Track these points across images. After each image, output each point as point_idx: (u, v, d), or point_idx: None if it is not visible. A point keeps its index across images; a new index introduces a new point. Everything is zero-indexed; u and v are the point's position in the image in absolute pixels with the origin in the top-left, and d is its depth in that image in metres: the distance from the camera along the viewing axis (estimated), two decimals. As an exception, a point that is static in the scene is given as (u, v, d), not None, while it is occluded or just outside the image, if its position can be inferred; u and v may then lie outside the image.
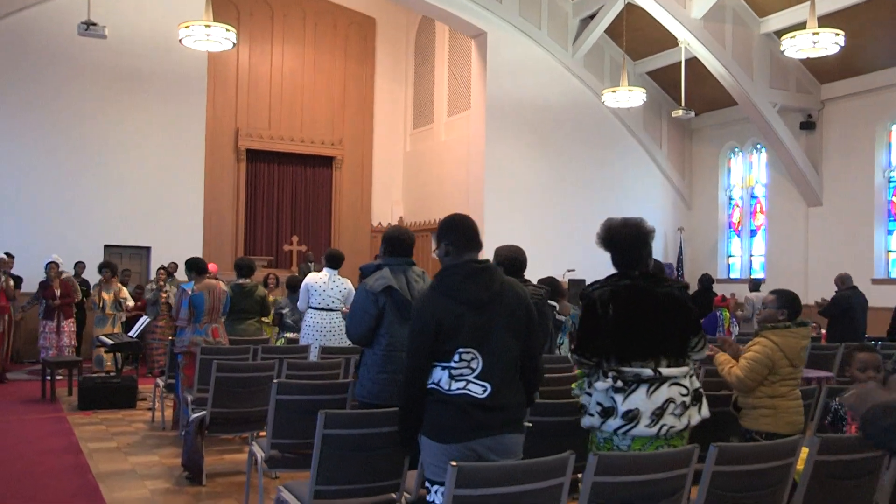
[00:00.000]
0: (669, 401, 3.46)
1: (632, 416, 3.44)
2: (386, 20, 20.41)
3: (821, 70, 15.34)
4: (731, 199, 18.12)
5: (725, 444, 3.05)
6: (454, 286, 3.30)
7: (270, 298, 9.96)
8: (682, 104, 14.97)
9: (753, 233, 17.54)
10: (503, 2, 16.64)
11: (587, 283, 6.37)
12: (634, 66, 17.60)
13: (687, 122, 18.13)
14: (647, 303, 3.58)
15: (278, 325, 10.03)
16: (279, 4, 19.28)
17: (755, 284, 13.53)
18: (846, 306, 9.64)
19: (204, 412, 6.07)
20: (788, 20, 14.51)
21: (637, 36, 15.94)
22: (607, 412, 3.51)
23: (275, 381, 4.82)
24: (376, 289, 4.33)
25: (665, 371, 3.49)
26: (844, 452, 3.05)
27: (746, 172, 17.75)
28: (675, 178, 18.52)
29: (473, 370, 3.23)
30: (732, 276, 17.84)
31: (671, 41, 15.67)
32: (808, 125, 15.77)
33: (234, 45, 11.73)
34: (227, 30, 11.28)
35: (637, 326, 3.54)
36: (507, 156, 16.70)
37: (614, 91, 14.40)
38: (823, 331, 10.65)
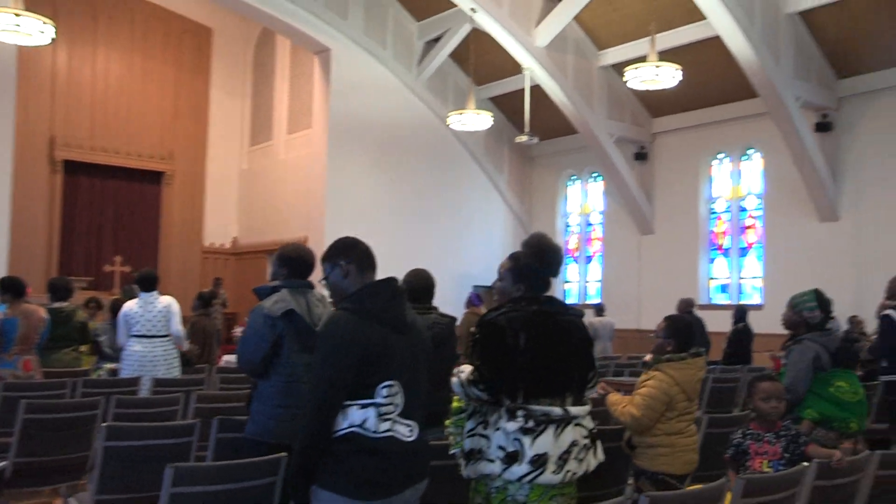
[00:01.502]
0: (574, 444, 3.12)
1: (540, 462, 3.05)
2: (223, 31, 19.42)
3: (653, 104, 16.06)
4: (568, 225, 18.56)
5: (654, 493, 2.73)
6: (380, 307, 2.87)
7: (91, 325, 8.89)
8: (526, 130, 15.13)
9: (589, 259, 18.03)
10: (348, 19, 16.24)
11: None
12: (478, 91, 17.69)
13: (528, 148, 18.43)
14: (557, 331, 3.23)
15: (97, 353, 8.99)
16: (103, 5, 17.84)
17: (600, 310, 13.81)
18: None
19: (5, 463, 5.11)
20: (625, 55, 15.06)
21: (481, 61, 16.02)
22: (511, 457, 3.07)
23: (104, 423, 4.08)
24: (275, 313, 3.79)
25: (572, 410, 3.15)
26: (769, 493, 2.83)
27: (583, 200, 18.26)
28: (515, 204, 18.75)
29: (397, 407, 2.81)
30: (569, 301, 18.23)
31: (515, 68, 15.86)
32: (641, 156, 16.43)
33: (53, 39, 10.54)
34: (44, 22, 10.11)
35: (549, 358, 3.17)
36: (349, 176, 16.23)
37: (461, 114, 14.34)
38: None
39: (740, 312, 10.87)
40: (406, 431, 2.81)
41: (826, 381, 4.39)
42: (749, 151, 15.13)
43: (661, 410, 3.92)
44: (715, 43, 13.10)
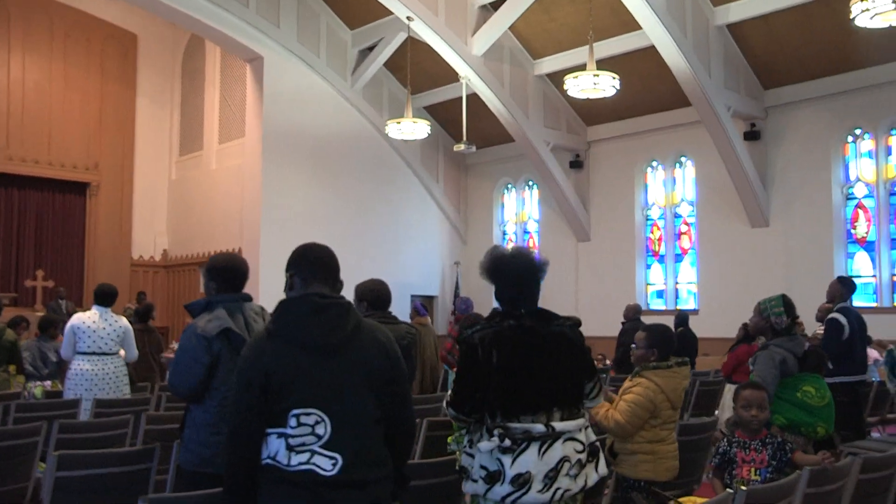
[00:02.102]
0: (564, 460, 3.00)
1: (522, 482, 2.94)
2: (149, 37, 18.86)
3: (588, 113, 16.26)
4: (504, 234, 18.62)
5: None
6: (292, 326, 2.62)
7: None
8: (464, 139, 15.12)
9: (527, 267, 18.07)
10: (281, 27, 15.95)
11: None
12: (414, 99, 17.60)
13: (463, 157, 18.45)
14: (537, 346, 3.11)
15: (22, 372, 8.53)
16: (18, 7, 17.06)
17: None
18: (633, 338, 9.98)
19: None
20: (560, 64, 15.21)
21: (417, 70, 15.95)
22: (493, 477, 2.97)
23: (56, 452, 3.80)
24: (210, 332, 3.52)
25: (559, 426, 3.04)
26: (769, 503, 2.81)
27: (519, 208, 18.35)
28: (451, 213, 18.72)
29: (319, 437, 2.54)
30: (507, 308, 18.26)
31: (451, 77, 15.84)
32: (576, 164, 16.61)
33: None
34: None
35: (525, 374, 3.06)
36: (285, 186, 15.92)
37: (399, 122, 14.22)
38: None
39: (681, 318, 11.03)
40: (327, 465, 2.52)
41: (793, 387, 4.43)
42: (682, 159, 15.46)
43: (646, 418, 3.89)
44: (648, 53, 13.35)
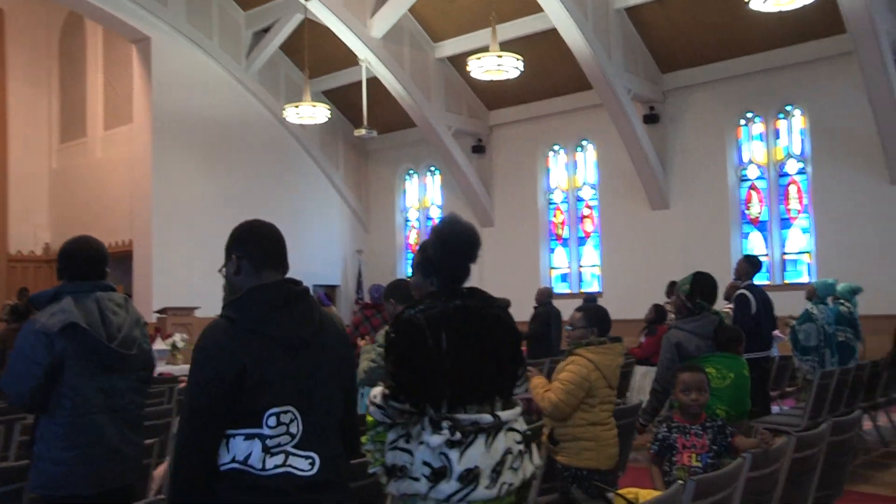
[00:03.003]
0: (507, 452, 2.77)
1: (472, 477, 2.68)
2: (18, 13, 17.59)
3: (489, 97, 16.15)
4: (407, 220, 18.37)
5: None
6: (262, 317, 2.32)
7: None
8: (365, 124, 14.74)
9: (431, 253, 17.89)
10: (168, 5, 15.13)
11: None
12: (311, 83, 17.08)
13: (363, 143, 18.06)
14: (481, 329, 2.85)
15: None
16: None
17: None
18: (546, 321, 9.93)
19: None
20: (461, 47, 15.03)
21: (314, 53, 15.44)
22: (438, 474, 2.67)
23: None
24: (52, 328, 3.01)
25: (503, 415, 2.80)
26: (717, 491, 2.65)
27: (422, 194, 18.12)
28: (352, 200, 18.32)
29: (293, 437, 2.30)
30: (412, 296, 18.03)
31: (349, 60, 15.43)
32: (479, 149, 16.50)
33: None
34: None
35: (474, 360, 2.79)
36: (178, 174, 15.16)
37: (297, 106, 13.72)
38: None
39: (590, 301, 11.02)
40: (304, 465, 2.30)
41: (699, 368, 4.32)
42: (583, 143, 15.56)
43: (581, 396, 3.70)
44: (550, 36, 13.32)
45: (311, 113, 13.67)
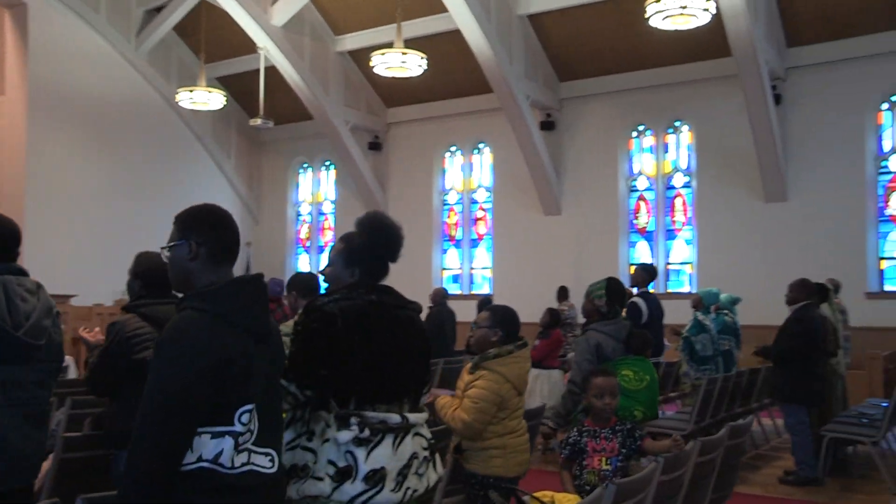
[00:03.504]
0: (413, 456, 2.71)
1: (378, 479, 2.60)
2: None
3: (388, 94, 16.05)
4: (299, 214, 18.02)
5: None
6: (241, 309, 2.20)
7: None
8: (261, 113, 14.34)
9: (321, 248, 17.64)
10: (49, -28, 14.24)
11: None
12: (206, 69, 16.50)
13: (257, 134, 17.62)
14: (394, 327, 2.79)
15: None
16: None
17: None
18: (440, 321, 9.92)
19: None
20: (363, 42, 14.88)
21: (210, 38, 14.91)
22: (343, 474, 2.58)
23: None
24: None
25: (411, 417, 2.74)
26: (635, 494, 2.67)
27: (315, 188, 17.82)
28: (243, 191, 17.82)
29: (252, 433, 2.19)
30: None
31: (247, 48, 14.99)
32: (375, 146, 16.37)
33: None
34: None
35: (386, 357, 2.72)
36: (56, 152, 14.31)
37: (191, 91, 13.19)
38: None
39: (484, 304, 11.09)
40: (266, 462, 2.22)
41: (615, 370, 4.39)
42: (480, 145, 15.68)
43: (494, 412, 3.57)
44: (453, 37, 13.35)
45: (206, 99, 13.18)
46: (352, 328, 2.66)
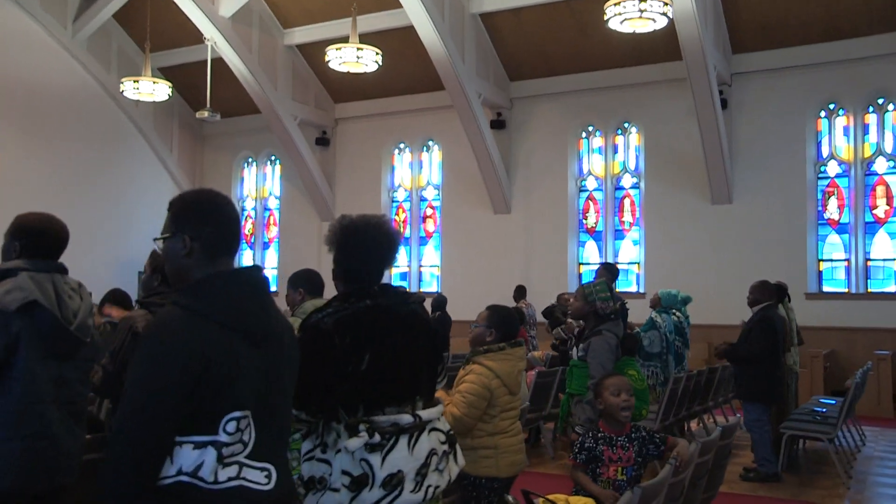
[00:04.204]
0: (432, 453, 2.66)
1: (395, 482, 2.54)
2: None
3: (337, 89, 15.87)
4: (243, 209, 17.66)
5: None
6: (230, 307, 2.00)
7: None
8: (208, 106, 13.98)
9: (266, 245, 17.35)
10: (-19, -46, 13.62)
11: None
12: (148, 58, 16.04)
13: (200, 127, 17.23)
14: (396, 327, 2.73)
15: None
16: None
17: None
18: (444, 329, 9.94)
19: None
20: (312, 36, 14.68)
21: (153, 26, 14.47)
22: (360, 482, 2.52)
23: None
24: (9, 305, 2.75)
25: (424, 414, 2.69)
26: (657, 496, 2.66)
27: (260, 183, 17.50)
28: (185, 186, 17.35)
29: (245, 445, 1.98)
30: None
31: (191, 37, 14.61)
32: (323, 141, 16.16)
33: None
34: None
35: (389, 361, 2.67)
36: (-12, 143, 13.69)
37: (136, 81, 12.77)
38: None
39: (439, 302, 11.09)
40: (261, 478, 2.00)
41: (621, 371, 4.40)
42: (430, 143, 15.63)
43: (483, 407, 3.56)
44: (404, 33, 13.28)
45: (151, 89, 12.79)
46: (349, 340, 2.60)
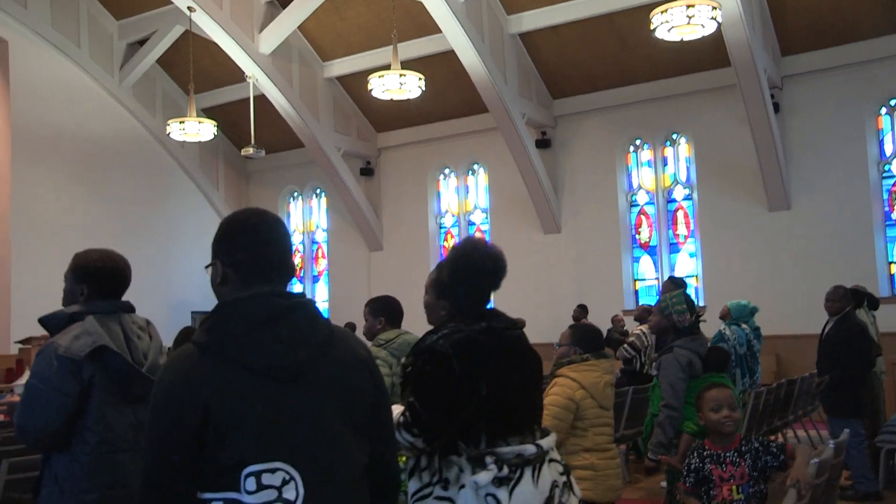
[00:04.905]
0: (554, 485, 2.49)
1: None
2: None
3: (378, 119, 15.86)
4: (292, 244, 17.67)
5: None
6: (237, 340, 1.76)
7: None
8: (252, 142, 14.04)
9: (316, 278, 17.33)
10: (29, 7, 13.91)
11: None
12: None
13: (245, 164, 17.36)
14: (510, 352, 2.59)
15: None
16: None
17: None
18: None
19: None
20: (351, 67, 14.72)
21: (196, 68, 14.62)
22: None
23: None
24: (78, 352, 2.61)
25: (544, 443, 2.52)
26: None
27: (307, 217, 17.53)
28: (233, 223, 17.46)
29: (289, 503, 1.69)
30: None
31: (233, 77, 14.75)
32: (367, 171, 16.14)
33: None
34: None
35: (510, 386, 2.52)
36: (40, 191, 13.98)
37: (181, 122, 12.88)
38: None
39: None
40: None
41: (700, 389, 4.15)
42: (475, 166, 15.50)
43: (570, 420, 3.41)
44: (444, 58, 13.22)
45: (197, 129, 12.88)
46: (468, 363, 2.44)
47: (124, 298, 2.91)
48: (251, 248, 1.87)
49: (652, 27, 9.39)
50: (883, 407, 7.15)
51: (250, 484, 1.67)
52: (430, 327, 2.66)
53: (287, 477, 1.70)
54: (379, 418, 1.96)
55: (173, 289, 15.67)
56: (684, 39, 9.80)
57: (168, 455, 1.70)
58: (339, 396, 1.82)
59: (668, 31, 9.42)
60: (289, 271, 1.94)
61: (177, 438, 1.69)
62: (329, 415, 1.79)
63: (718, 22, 9.29)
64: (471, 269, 2.67)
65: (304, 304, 1.86)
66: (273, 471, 1.69)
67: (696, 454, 3.33)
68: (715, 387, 3.43)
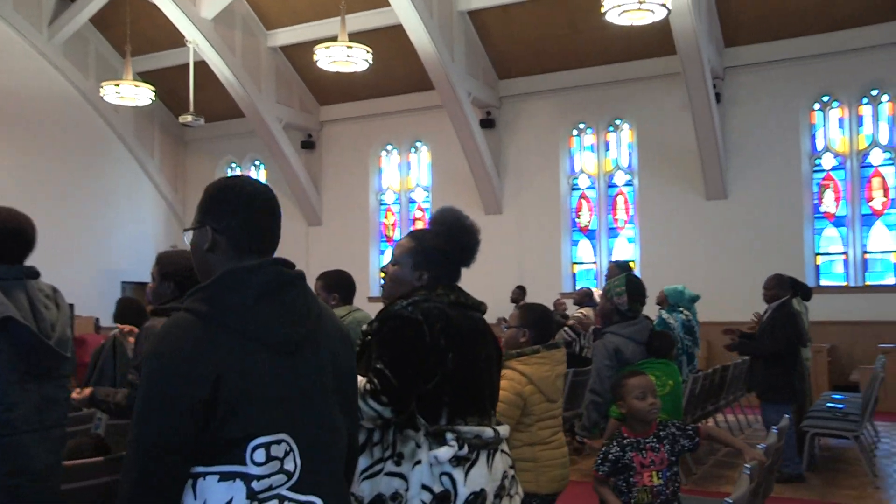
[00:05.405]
0: (505, 475, 2.44)
1: (479, 502, 2.30)
2: None
3: (321, 92, 15.58)
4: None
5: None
6: (245, 310, 1.70)
7: None
8: (191, 109, 13.62)
9: (252, 252, 16.99)
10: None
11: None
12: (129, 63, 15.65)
13: (182, 132, 16.85)
14: (477, 330, 2.53)
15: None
16: None
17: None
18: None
19: None
20: (296, 37, 14.38)
21: (133, 30, 14.07)
22: (441, 500, 2.27)
23: None
24: None
25: (502, 430, 2.46)
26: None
27: (244, 189, 17.14)
28: (168, 192, 16.99)
29: (289, 476, 1.67)
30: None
31: (171, 40, 14.26)
32: (308, 144, 15.86)
33: None
34: None
35: (475, 365, 2.45)
36: (-37, 152, 13.26)
37: (117, 85, 12.40)
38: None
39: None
40: None
41: (618, 377, 4.14)
42: (417, 144, 15.37)
43: (517, 415, 3.28)
44: (392, 32, 13.01)
45: (134, 93, 12.44)
46: (438, 334, 2.35)
47: (28, 263, 2.65)
48: (247, 217, 1.82)
49: (603, 10, 9.41)
50: (810, 393, 7.37)
51: (259, 455, 1.64)
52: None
53: (288, 448, 1.68)
54: (354, 393, 1.98)
55: (103, 257, 15.18)
56: (634, 24, 9.85)
57: (166, 430, 1.61)
58: (329, 369, 1.82)
59: (619, 14, 9.45)
60: (276, 243, 1.91)
61: (181, 412, 1.60)
62: (325, 389, 1.79)
63: (668, 9, 9.36)
64: (457, 245, 2.60)
65: (302, 278, 1.85)
66: (278, 442, 1.67)
67: (615, 443, 3.30)
68: (635, 375, 3.39)
